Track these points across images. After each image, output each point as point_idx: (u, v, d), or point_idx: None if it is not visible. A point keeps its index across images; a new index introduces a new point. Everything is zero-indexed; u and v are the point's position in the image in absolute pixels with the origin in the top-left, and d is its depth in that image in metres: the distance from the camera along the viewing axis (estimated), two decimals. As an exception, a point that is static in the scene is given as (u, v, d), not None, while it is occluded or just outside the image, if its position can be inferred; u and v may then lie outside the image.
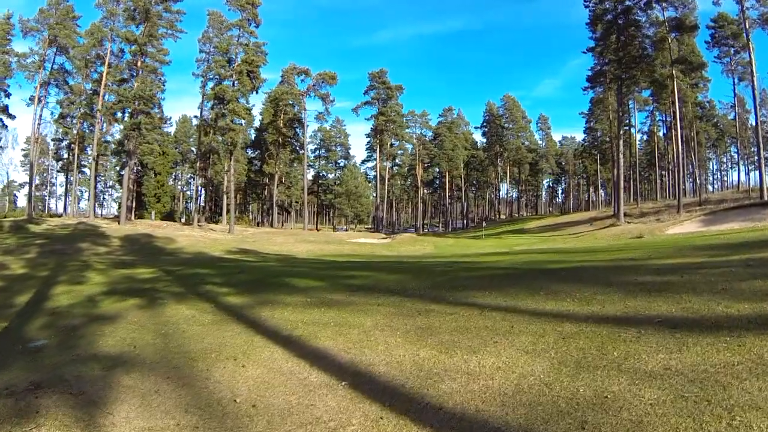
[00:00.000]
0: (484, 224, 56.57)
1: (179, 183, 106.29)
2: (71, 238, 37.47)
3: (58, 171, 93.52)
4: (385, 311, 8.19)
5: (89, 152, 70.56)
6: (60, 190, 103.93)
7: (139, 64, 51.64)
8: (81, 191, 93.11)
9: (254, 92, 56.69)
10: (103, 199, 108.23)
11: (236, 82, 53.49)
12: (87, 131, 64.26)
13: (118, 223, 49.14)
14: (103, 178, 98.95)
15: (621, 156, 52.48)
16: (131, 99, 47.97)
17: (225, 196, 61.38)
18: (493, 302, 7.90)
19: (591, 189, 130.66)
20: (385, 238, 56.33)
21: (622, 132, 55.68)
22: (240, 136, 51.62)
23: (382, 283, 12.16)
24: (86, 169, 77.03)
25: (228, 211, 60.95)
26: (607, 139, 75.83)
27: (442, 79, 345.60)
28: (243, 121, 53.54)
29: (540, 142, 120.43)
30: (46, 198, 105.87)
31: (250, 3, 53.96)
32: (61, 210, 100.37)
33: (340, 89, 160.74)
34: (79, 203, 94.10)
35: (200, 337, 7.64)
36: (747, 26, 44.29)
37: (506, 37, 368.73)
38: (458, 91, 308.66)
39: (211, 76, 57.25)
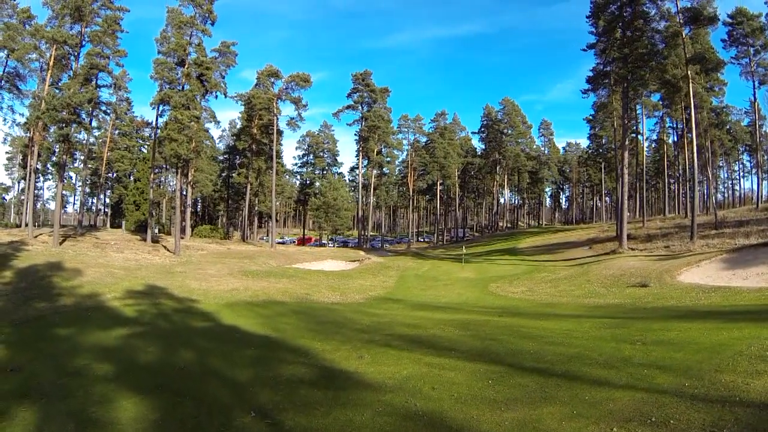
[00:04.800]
0: (464, 249, 49.53)
1: (169, 189, 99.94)
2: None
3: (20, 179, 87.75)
4: None
5: (54, 159, 65.84)
6: (47, 193, 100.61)
7: (73, 67, 44.94)
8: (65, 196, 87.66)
9: (205, 98, 50.09)
10: (91, 203, 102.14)
11: (185, 86, 46.83)
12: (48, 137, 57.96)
13: (61, 243, 42.15)
14: (81, 185, 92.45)
15: (625, 170, 45.14)
16: (59, 107, 40.88)
17: (179, 210, 54.01)
18: None
19: (596, 197, 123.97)
20: (353, 261, 49.73)
21: (628, 141, 48.30)
22: (184, 147, 44.56)
23: None
24: (72, 175, 71.59)
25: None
26: (613, 146, 68.87)
27: (454, 82, 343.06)
28: (193, 130, 46.34)
29: (542, 148, 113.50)
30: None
31: (206, -3, 47.27)
32: (48, 218, 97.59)
33: (342, 93, 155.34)
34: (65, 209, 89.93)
35: None
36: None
37: (521, 41, 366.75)
38: (470, 95, 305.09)
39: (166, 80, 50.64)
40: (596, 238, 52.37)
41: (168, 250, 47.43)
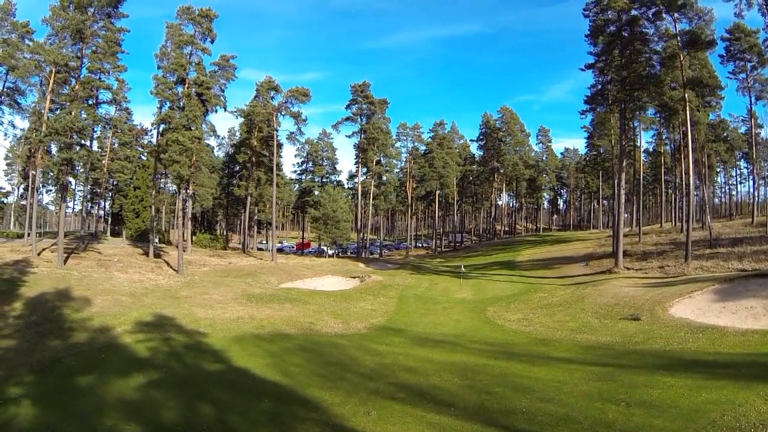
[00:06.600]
0: (462, 267, 50.19)
1: (168, 192, 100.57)
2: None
3: (24, 189, 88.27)
4: None
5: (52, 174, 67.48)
6: (46, 198, 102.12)
7: (76, 88, 45.17)
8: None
9: (207, 116, 50.64)
10: (90, 207, 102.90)
11: (185, 106, 47.42)
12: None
13: (65, 261, 42.66)
14: (81, 195, 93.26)
15: (622, 191, 45.95)
16: (61, 131, 41.18)
17: (181, 229, 54.36)
18: None
19: (594, 201, 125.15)
20: (354, 278, 50.61)
21: (624, 163, 48.88)
22: (186, 168, 45.20)
23: None
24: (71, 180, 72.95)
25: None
26: (610, 156, 69.65)
27: (452, 82, 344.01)
28: (193, 149, 46.83)
29: (541, 154, 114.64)
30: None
31: (204, 15, 47.60)
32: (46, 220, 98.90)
33: (340, 94, 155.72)
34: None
35: None
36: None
37: (519, 41, 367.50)
38: (468, 95, 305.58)
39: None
40: (593, 254, 53.30)
41: (171, 267, 48.07)
